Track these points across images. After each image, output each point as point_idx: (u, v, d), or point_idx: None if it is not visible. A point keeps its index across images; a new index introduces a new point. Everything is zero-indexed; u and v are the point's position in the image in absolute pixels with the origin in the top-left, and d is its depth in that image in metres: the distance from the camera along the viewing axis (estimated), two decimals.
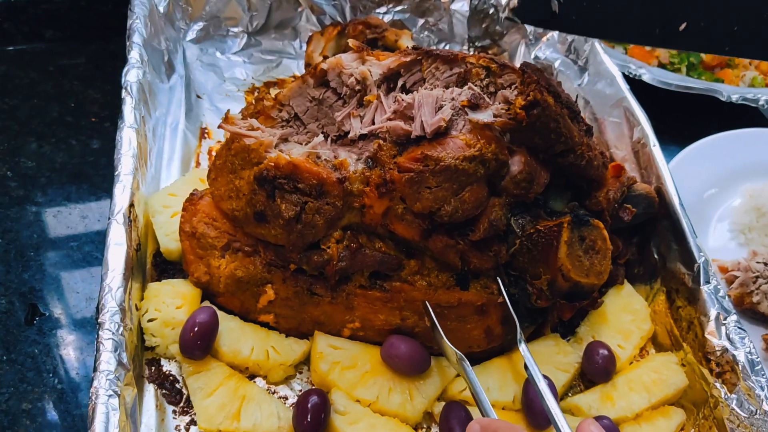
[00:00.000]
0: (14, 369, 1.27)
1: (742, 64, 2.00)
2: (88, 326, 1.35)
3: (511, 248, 1.27)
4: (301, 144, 1.30)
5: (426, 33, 1.92)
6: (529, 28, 1.86)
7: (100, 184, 1.57)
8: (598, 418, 1.25)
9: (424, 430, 1.26)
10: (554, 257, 1.24)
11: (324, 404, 1.17)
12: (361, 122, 1.28)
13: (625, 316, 1.43)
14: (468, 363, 1.17)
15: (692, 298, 1.34)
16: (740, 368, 1.22)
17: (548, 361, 1.33)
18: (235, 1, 1.81)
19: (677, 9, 1.10)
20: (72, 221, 1.50)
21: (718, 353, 1.27)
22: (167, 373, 1.24)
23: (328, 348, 1.28)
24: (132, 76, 1.46)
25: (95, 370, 1.05)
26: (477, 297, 1.27)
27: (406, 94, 1.29)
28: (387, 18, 1.87)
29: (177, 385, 1.23)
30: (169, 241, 1.37)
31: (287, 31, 1.89)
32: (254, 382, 1.26)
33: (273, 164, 1.20)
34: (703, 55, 1.86)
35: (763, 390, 1.19)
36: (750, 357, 1.23)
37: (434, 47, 1.90)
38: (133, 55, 1.49)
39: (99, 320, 1.10)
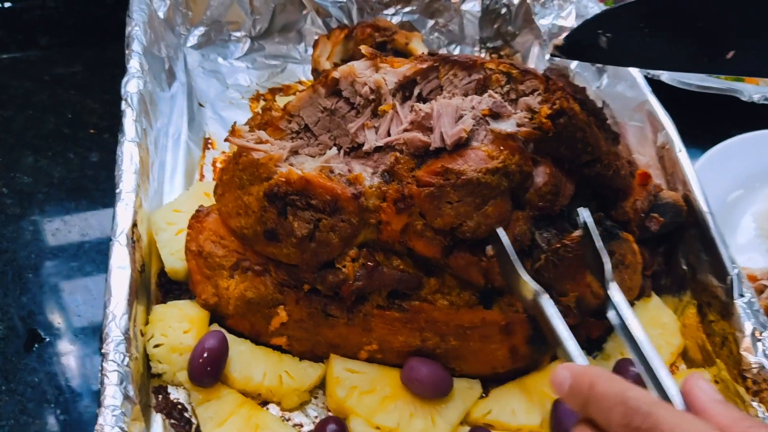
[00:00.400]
0: (14, 400, 1.20)
1: None
2: (91, 351, 1.29)
3: (535, 263, 1.20)
4: (313, 157, 1.24)
5: (436, 34, 1.85)
6: (543, 29, 1.80)
7: (101, 199, 1.51)
8: None
9: None
10: (582, 273, 1.19)
11: None
12: (376, 134, 1.21)
13: (654, 330, 1.36)
14: (547, 297, 1.03)
15: (726, 312, 1.28)
16: None
17: None
18: (237, 4, 1.74)
19: (724, 35, 1.10)
20: (72, 239, 1.44)
21: (755, 370, 1.21)
22: (175, 401, 1.18)
23: (345, 372, 1.22)
24: (132, 86, 1.39)
25: (100, 405, 0.99)
26: (501, 316, 1.21)
27: (423, 102, 1.23)
28: (395, 20, 1.81)
29: (186, 414, 1.17)
30: (175, 260, 1.30)
31: (292, 34, 1.82)
32: (267, 409, 1.20)
33: (284, 179, 1.14)
34: None
35: None
36: None
37: (447, 51, 1.84)
38: (133, 65, 1.43)
39: (103, 351, 1.04)
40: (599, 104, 1.25)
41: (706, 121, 1.91)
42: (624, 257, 1.21)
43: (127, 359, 1.04)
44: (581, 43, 1.14)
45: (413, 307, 1.20)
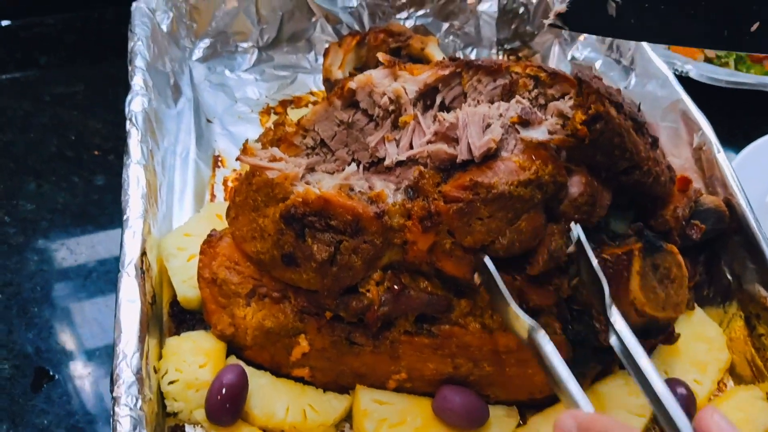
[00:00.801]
0: None
1: None
2: (104, 389, 1.22)
3: (572, 280, 1.12)
4: (330, 173, 1.16)
5: (451, 37, 1.77)
6: None
7: (108, 225, 1.44)
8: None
9: None
10: (625, 290, 1.10)
11: None
12: (398, 147, 1.14)
13: (699, 345, 1.28)
14: (543, 333, 0.95)
15: None
16: None
17: (620, 404, 1.19)
18: (243, 14, 1.67)
19: (748, 6, 0.95)
20: (79, 269, 1.38)
21: None
22: None
23: (373, 404, 1.15)
24: (136, 105, 1.32)
25: None
26: None
27: (446, 111, 1.15)
28: (409, 23, 1.73)
29: None
30: (187, 288, 1.23)
31: (301, 43, 1.74)
32: None
33: (301, 200, 1.07)
34: None
35: None
36: None
37: (463, 55, 1.76)
38: (137, 82, 1.36)
39: (114, 394, 0.96)
40: (635, 106, 1.16)
41: (738, 119, 1.82)
42: (669, 271, 1.13)
43: (140, 402, 0.97)
44: (587, 10, 1.01)
45: (443, 331, 1.13)
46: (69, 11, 1.85)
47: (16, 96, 1.69)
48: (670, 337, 1.18)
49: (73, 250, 1.41)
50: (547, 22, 1.06)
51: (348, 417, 1.17)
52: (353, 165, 1.13)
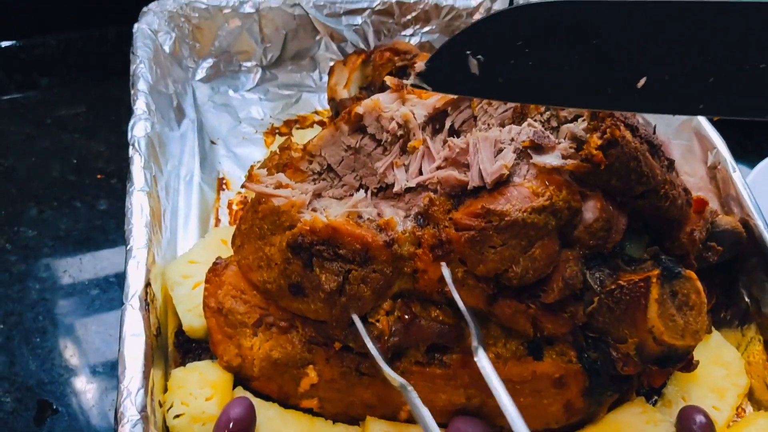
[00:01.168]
0: None
1: None
2: (107, 422, 1.19)
3: (588, 307, 1.09)
4: (338, 199, 1.14)
5: None
6: None
7: (110, 252, 1.41)
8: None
9: None
10: (643, 318, 1.07)
11: None
12: (407, 172, 1.11)
13: (717, 370, 1.25)
14: (414, 392, 0.97)
15: None
16: None
17: (637, 431, 1.15)
18: (246, 32, 1.65)
19: (634, 61, 0.84)
20: (82, 297, 1.35)
21: None
22: None
23: None
24: (139, 129, 1.29)
25: None
26: (554, 368, 1.10)
27: (456, 136, 1.12)
28: (414, 41, 1.71)
29: None
30: (192, 317, 1.21)
31: (305, 62, 1.72)
32: None
33: (308, 228, 1.04)
34: None
35: None
36: None
37: None
38: (139, 106, 1.33)
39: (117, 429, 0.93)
40: (650, 127, 1.14)
41: (749, 131, 1.79)
42: (688, 298, 1.09)
43: None
44: (446, 68, 0.87)
45: (455, 361, 1.10)
46: (70, 31, 1.83)
47: (16, 119, 1.67)
48: (689, 365, 1.15)
49: (76, 278, 1.39)
50: (408, 82, 0.95)
51: None
52: (361, 192, 1.11)
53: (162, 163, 1.35)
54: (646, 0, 0.81)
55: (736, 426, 1.21)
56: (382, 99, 1.13)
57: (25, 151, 1.60)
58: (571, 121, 1.12)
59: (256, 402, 1.12)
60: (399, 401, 1.12)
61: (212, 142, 1.58)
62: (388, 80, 1.13)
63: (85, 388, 1.23)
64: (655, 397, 1.24)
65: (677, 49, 0.83)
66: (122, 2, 1.68)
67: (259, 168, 1.16)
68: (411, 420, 1.14)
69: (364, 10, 1.69)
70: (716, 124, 1.42)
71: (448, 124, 1.14)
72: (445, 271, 1.03)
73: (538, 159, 1.05)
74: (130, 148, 1.26)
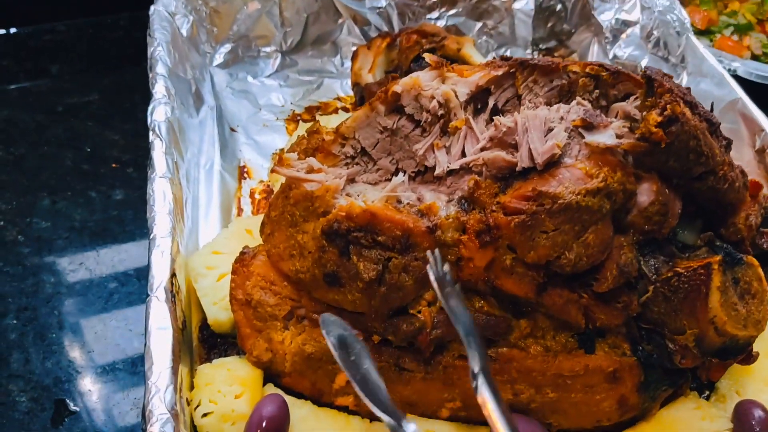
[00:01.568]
0: None
1: None
2: (129, 421, 1.13)
3: (642, 296, 1.03)
4: (372, 184, 1.07)
5: (484, 38, 1.69)
6: (605, 24, 1.63)
7: (128, 243, 1.34)
8: None
9: None
10: (703, 307, 1.01)
11: None
12: (449, 154, 1.04)
13: None
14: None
15: None
16: None
17: (693, 429, 1.09)
18: (266, 16, 1.59)
19: None
20: (99, 292, 1.29)
21: None
22: None
23: None
24: (159, 114, 1.23)
25: None
26: (607, 361, 1.04)
27: (500, 115, 1.05)
28: (440, 24, 1.65)
29: None
30: (218, 310, 1.15)
31: (326, 46, 1.66)
32: None
33: (344, 214, 0.98)
34: None
35: None
36: None
37: (495, 56, 1.67)
38: (159, 89, 1.27)
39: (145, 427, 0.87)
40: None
41: None
42: (750, 285, 1.03)
43: None
44: None
45: (502, 355, 1.04)
46: (80, 17, 1.77)
47: (27, 108, 1.61)
48: (749, 358, 1.08)
49: (92, 270, 1.33)
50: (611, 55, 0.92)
51: None
52: (400, 175, 1.04)
53: (182, 150, 1.29)
54: None
55: None
56: (422, 77, 1.06)
57: (37, 140, 1.55)
58: (622, 100, 1.06)
59: (288, 400, 1.05)
60: (441, 398, 1.06)
61: (232, 130, 1.52)
62: (428, 57, 1.07)
63: (105, 386, 1.17)
64: (707, 392, 1.18)
65: None
66: None
67: (288, 152, 1.09)
68: (453, 418, 1.08)
69: None
70: (762, 106, 1.36)
71: (491, 103, 1.07)
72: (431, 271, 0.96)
73: (590, 138, 0.99)
74: (150, 133, 1.19)
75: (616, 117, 1.03)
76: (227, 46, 1.60)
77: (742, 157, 1.34)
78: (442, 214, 0.99)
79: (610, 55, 1.62)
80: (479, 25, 1.68)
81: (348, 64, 1.62)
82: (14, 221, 1.39)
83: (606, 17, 1.62)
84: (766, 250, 1.19)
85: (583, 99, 1.06)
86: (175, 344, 0.97)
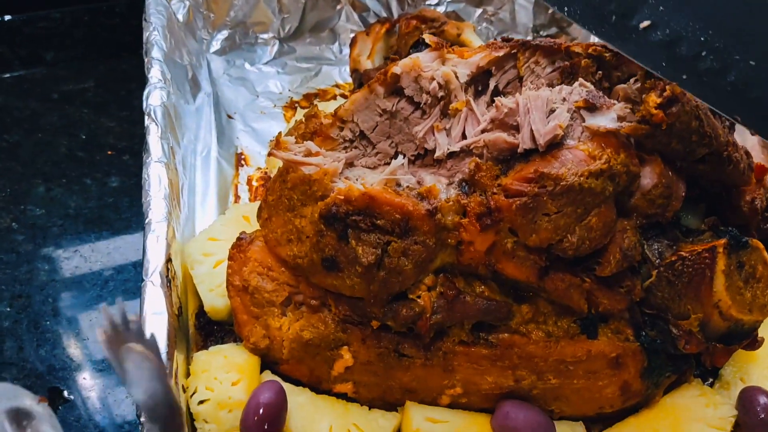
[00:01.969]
0: None
1: None
2: (124, 410, 1.11)
3: (645, 281, 1.01)
4: (371, 168, 1.06)
5: (484, 24, 1.67)
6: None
7: (124, 230, 1.33)
8: None
9: None
10: (708, 291, 1.00)
11: None
12: (449, 136, 1.02)
13: None
14: None
15: None
16: None
17: (698, 417, 1.08)
18: (263, 3, 1.57)
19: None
20: (94, 279, 1.27)
21: None
22: None
23: (426, 422, 1.04)
24: (155, 98, 1.21)
25: None
26: (610, 347, 1.03)
27: (502, 97, 1.04)
28: (440, 9, 1.64)
29: None
30: (214, 297, 1.13)
31: (324, 33, 1.64)
32: None
33: (343, 197, 0.96)
34: None
35: None
36: None
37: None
38: (154, 74, 1.25)
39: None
40: None
41: None
42: (755, 269, 1.01)
43: None
44: None
45: (503, 341, 1.03)
46: (76, 4, 1.75)
47: (21, 95, 1.60)
48: (754, 343, 1.07)
49: (87, 258, 1.31)
50: None
51: None
52: (400, 158, 1.02)
53: (179, 136, 1.27)
54: None
55: None
56: (422, 58, 1.04)
57: (32, 128, 1.53)
58: (623, 81, 1.04)
59: (286, 387, 1.04)
60: (441, 384, 1.04)
61: (229, 117, 1.50)
62: (428, 38, 1.05)
63: (99, 374, 1.16)
64: (711, 379, 1.17)
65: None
66: None
67: (285, 136, 1.07)
68: (453, 405, 1.06)
69: None
70: None
71: (492, 84, 1.06)
72: None
73: (592, 120, 0.97)
74: (146, 117, 1.18)
75: (618, 99, 1.02)
76: (224, 33, 1.59)
77: (745, 140, 1.32)
78: (442, 197, 0.98)
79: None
80: (479, 11, 1.66)
81: (346, 50, 1.60)
82: (8, 208, 1.38)
83: None
84: None
85: (586, 80, 1.04)
86: (171, 330, 0.96)
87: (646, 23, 0.87)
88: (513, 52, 1.05)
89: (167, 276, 1.00)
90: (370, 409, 1.07)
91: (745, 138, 1.34)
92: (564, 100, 1.01)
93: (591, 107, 0.99)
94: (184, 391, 1.00)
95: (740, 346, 1.07)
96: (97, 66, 1.66)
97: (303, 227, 1.01)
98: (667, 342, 1.03)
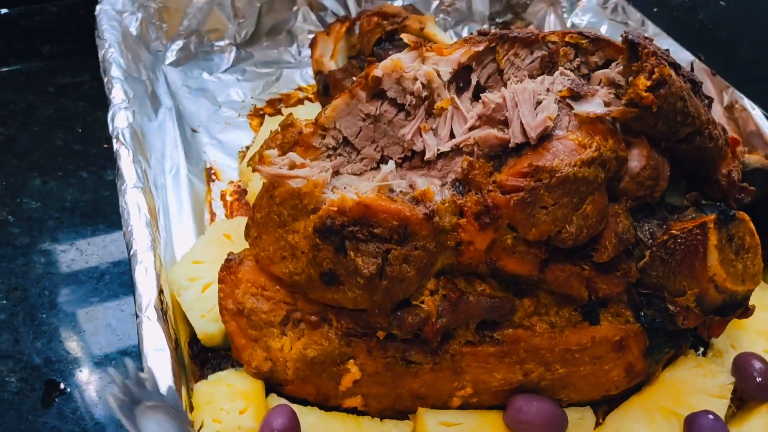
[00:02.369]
0: None
1: None
2: None
3: (639, 262, 1.03)
4: (358, 174, 1.03)
5: (441, 15, 1.66)
6: None
7: (120, 223, 1.28)
8: None
9: None
10: (702, 267, 1.02)
11: None
12: (436, 136, 1.01)
13: (763, 314, 1.20)
14: None
15: None
16: None
17: (697, 388, 1.10)
18: (217, 9, 1.51)
19: None
20: (90, 271, 1.24)
21: None
22: None
23: (440, 427, 1.03)
24: (121, 120, 1.16)
25: None
26: (612, 331, 1.04)
27: (484, 92, 1.03)
28: (397, 4, 1.60)
29: None
30: (206, 323, 1.09)
31: (282, 36, 1.60)
32: None
33: (336, 209, 0.93)
34: None
35: None
36: None
37: (454, 32, 1.64)
38: (116, 94, 1.19)
39: None
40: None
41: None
42: (743, 240, 1.04)
43: None
44: None
45: (508, 336, 1.02)
46: None
47: (17, 88, 1.54)
48: (747, 311, 1.10)
49: (84, 251, 1.27)
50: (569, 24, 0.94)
51: None
52: (390, 163, 1.00)
53: (148, 156, 1.21)
54: None
55: None
56: (403, 59, 1.02)
57: (27, 121, 1.47)
58: (603, 67, 1.05)
59: (295, 409, 1.01)
60: (451, 387, 1.03)
61: (193, 131, 1.44)
62: (406, 37, 1.03)
63: (95, 366, 1.12)
64: (702, 349, 1.20)
65: None
66: None
67: (266, 150, 1.03)
68: (464, 406, 1.06)
69: None
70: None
71: (474, 80, 1.04)
72: None
73: (579, 108, 0.97)
74: (114, 141, 1.12)
75: (599, 85, 1.02)
76: (179, 43, 1.52)
77: (713, 114, 1.36)
78: (437, 199, 0.96)
79: (569, 24, 1.61)
80: (436, 2, 1.64)
81: (306, 52, 1.56)
82: (4, 201, 1.32)
83: None
84: (747, 205, 1.21)
85: (565, 69, 1.04)
86: (174, 365, 0.91)
87: None
88: (492, 45, 1.04)
89: (162, 309, 0.96)
90: (381, 420, 1.05)
91: (712, 111, 1.38)
92: (548, 90, 1.00)
93: (576, 96, 0.98)
94: (191, 427, 0.96)
95: (735, 315, 1.10)
96: (93, 59, 1.56)
97: (297, 243, 0.97)
98: (665, 319, 1.05)
